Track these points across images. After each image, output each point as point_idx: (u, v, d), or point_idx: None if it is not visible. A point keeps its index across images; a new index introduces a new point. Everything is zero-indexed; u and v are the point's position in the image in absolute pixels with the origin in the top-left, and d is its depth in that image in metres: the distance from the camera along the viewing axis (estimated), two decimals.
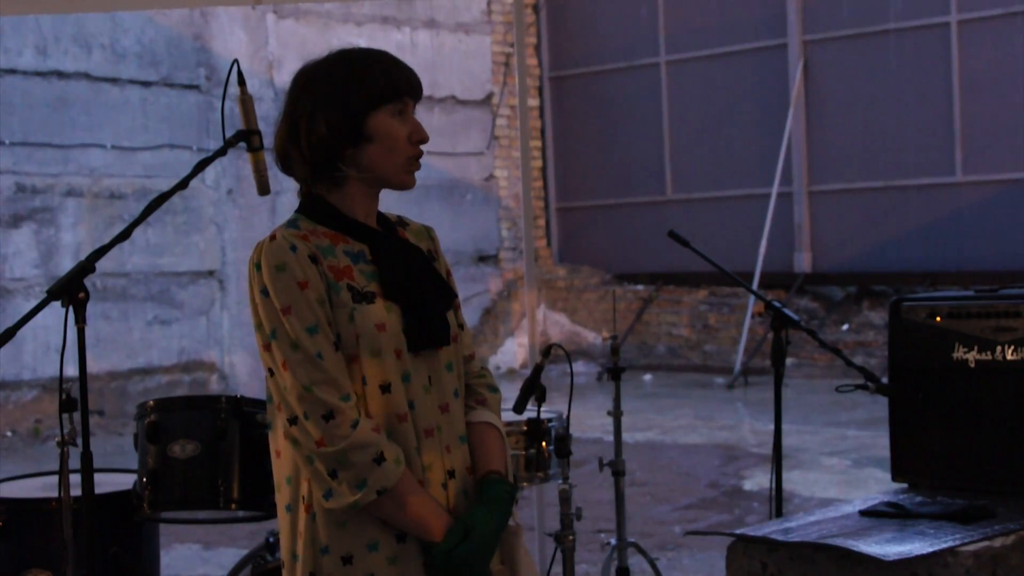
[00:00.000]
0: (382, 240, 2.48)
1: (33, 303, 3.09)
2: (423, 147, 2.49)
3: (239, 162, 11.97)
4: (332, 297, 2.39)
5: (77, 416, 2.91)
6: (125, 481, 3.93)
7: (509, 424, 3.97)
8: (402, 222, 2.61)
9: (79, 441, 2.79)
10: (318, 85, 2.44)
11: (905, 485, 3.33)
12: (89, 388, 2.74)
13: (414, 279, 2.47)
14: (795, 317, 3.79)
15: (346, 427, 2.33)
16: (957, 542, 2.62)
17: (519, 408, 3.87)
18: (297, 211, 2.50)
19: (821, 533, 2.74)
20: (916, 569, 2.55)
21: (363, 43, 13.44)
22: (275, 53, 12.72)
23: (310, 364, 2.34)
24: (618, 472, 4.53)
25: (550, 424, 4.01)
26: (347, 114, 2.41)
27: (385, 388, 2.39)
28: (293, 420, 2.35)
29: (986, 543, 2.64)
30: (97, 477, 2.92)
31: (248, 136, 2.64)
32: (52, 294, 2.59)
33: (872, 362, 11.42)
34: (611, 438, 4.60)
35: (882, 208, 12.84)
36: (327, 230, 2.46)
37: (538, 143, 15.27)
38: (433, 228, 2.67)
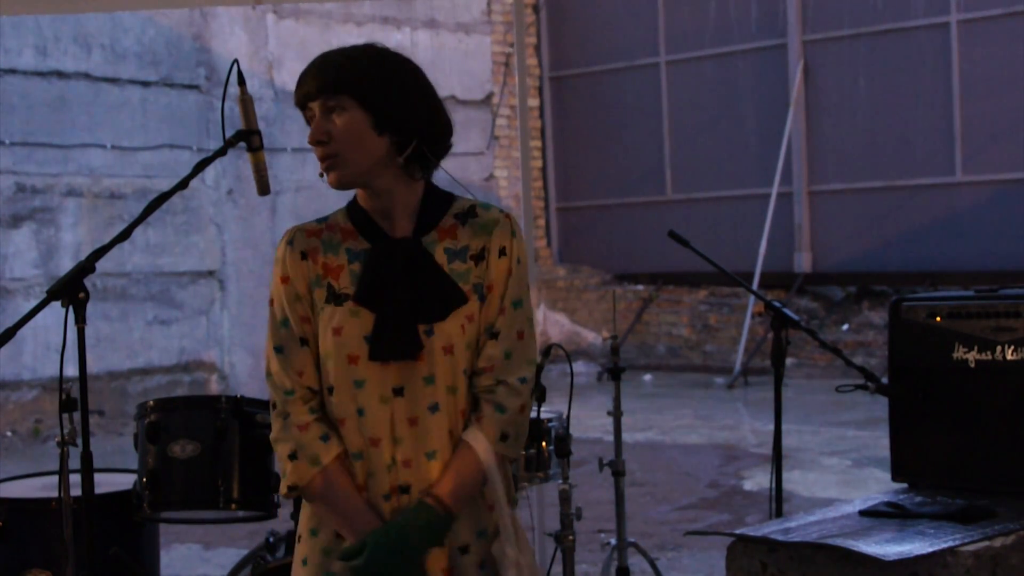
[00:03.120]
0: (381, 242, 2.44)
1: (33, 303, 3.09)
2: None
3: (239, 162, 11.97)
4: (314, 292, 2.43)
5: (77, 416, 2.91)
6: (125, 481, 3.94)
7: None
8: (471, 213, 2.46)
9: (79, 441, 2.79)
10: None
11: (905, 485, 3.33)
12: (89, 388, 2.74)
13: (395, 287, 2.39)
14: (795, 317, 3.79)
15: (279, 421, 2.43)
16: (957, 542, 2.62)
17: None
18: (348, 203, 2.53)
19: (821, 533, 2.74)
20: (916, 569, 2.55)
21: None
22: (275, 53, 12.72)
23: (273, 355, 2.45)
24: (618, 472, 4.54)
25: (550, 424, 4.01)
26: None
27: (330, 390, 2.42)
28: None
29: (986, 543, 2.64)
30: (97, 477, 2.92)
31: (248, 136, 2.64)
32: (52, 294, 2.59)
33: (872, 362, 11.42)
34: (611, 438, 4.60)
35: (882, 208, 12.84)
36: (349, 226, 2.48)
37: (538, 143, 15.27)
38: (510, 221, 2.46)
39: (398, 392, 2.38)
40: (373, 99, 2.38)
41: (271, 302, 2.47)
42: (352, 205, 2.50)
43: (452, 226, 2.45)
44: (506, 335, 2.42)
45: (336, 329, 2.40)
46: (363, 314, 2.39)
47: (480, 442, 2.38)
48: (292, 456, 2.41)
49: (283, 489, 2.44)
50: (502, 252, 2.43)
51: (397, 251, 2.42)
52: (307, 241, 2.46)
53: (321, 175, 2.43)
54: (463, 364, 2.40)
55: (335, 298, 2.42)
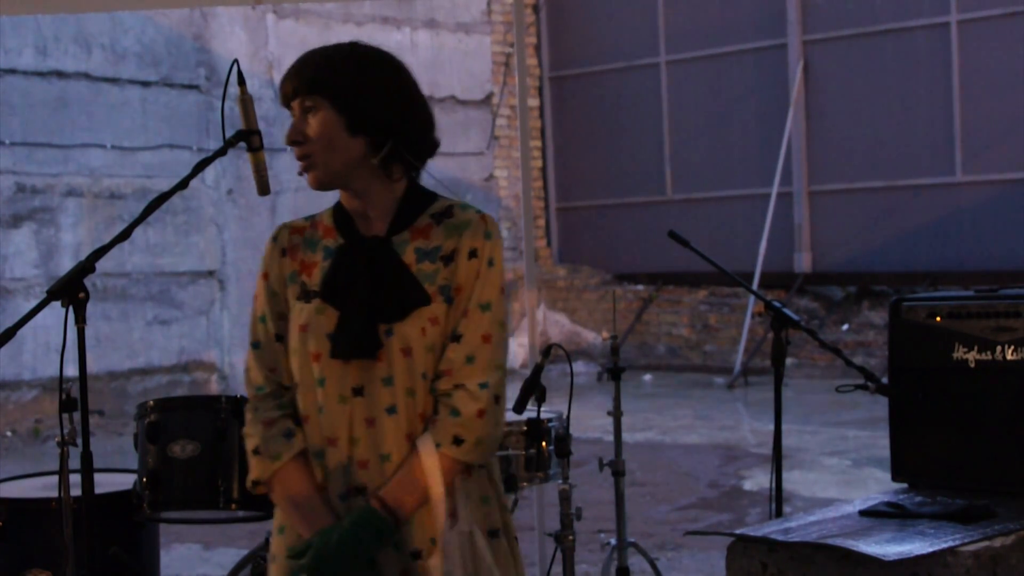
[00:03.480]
0: (351, 240, 2.45)
1: (33, 303, 3.09)
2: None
3: (239, 162, 11.97)
4: (287, 290, 2.47)
5: (77, 416, 2.91)
6: (125, 481, 3.94)
7: (509, 424, 3.97)
8: (448, 213, 2.44)
9: (79, 441, 2.79)
10: None
11: (905, 485, 3.33)
12: (89, 388, 2.74)
13: (357, 285, 2.38)
14: (795, 317, 3.79)
15: (249, 415, 2.46)
16: (957, 542, 2.62)
17: (519, 408, 3.87)
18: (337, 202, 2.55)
19: (821, 533, 2.74)
20: (916, 569, 2.55)
21: None
22: (275, 53, 12.72)
23: (250, 350, 2.49)
24: (618, 472, 4.53)
25: (550, 424, 4.01)
26: None
27: (296, 387, 2.44)
28: None
29: (986, 543, 2.64)
30: (97, 477, 2.92)
31: (248, 136, 2.64)
32: (52, 294, 2.59)
33: (872, 362, 11.41)
34: (611, 438, 4.60)
35: (882, 208, 12.84)
36: (330, 224, 2.49)
37: (538, 143, 15.27)
38: (485, 223, 2.42)
39: (358, 392, 2.38)
40: (346, 100, 2.38)
41: (255, 297, 2.51)
42: (337, 204, 2.52)
43: (427, 226, 2.44)
44: (469, 338, 2.37)
45: (302, 326, 2.41)
46: (328, 312, 2.39)
47: (427, 446, 2.34)
48: (255, 451, 2.43)
49: (248, 483, 2.46)
50: (472, 254, 2.40)
51: (363, 249, 2.42)
52: (290, 238, 2.50)
53: (300, 175, 2.44)
54: (422, 367, 2.37)
55: (305, 295, 2.44)
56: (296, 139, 2.40)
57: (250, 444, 2.45)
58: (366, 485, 2.37)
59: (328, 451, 2.40)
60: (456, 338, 2.37)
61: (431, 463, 2.33)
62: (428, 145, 2.48)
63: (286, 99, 2.43)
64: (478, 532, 2.38)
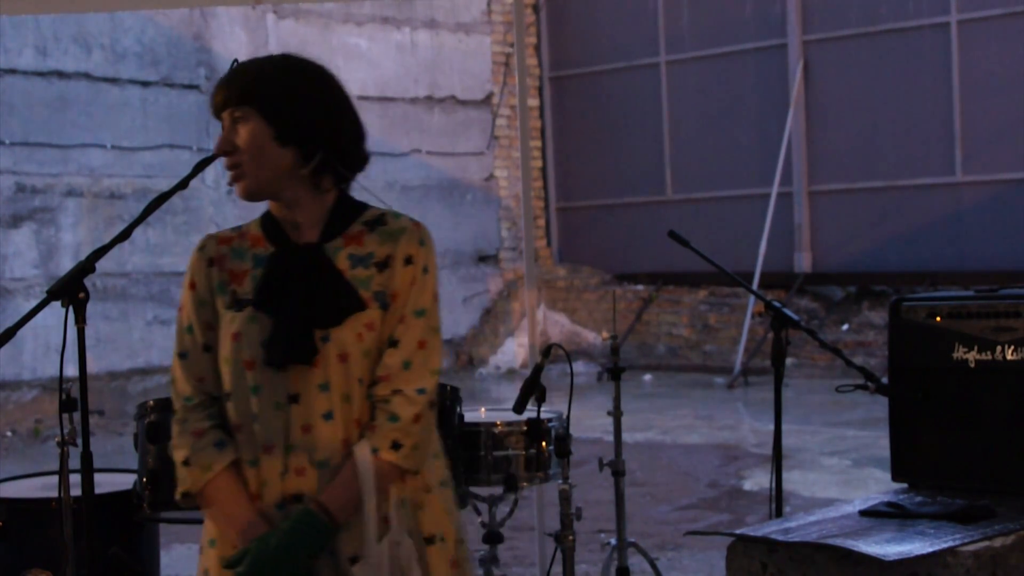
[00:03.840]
0: (283, 247, 2.44)
1: (33, 303, 3.09)
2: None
3: None
4: (216, 300, 2.46)
5: (77, 416, 2.91)
6: (125, 481, 3.93)
7: (509, 424, 3.97)
8: (381, 221, 2.46)
9: (79, 441, 2.79)
10: None
11: (905, 485, 3.33)
12: (89, 388, 2.75)
13: (292, 292, 2.38)
14: (795, 317, 3.79)
15: (176, 427, 2.49)
16: (957, 542, 2.62)
17: (519, 408, 3.87)
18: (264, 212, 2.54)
19: (821, 533, 2.74)
20: (916, 569, 2.55)
21: (363, 43, 13.46)
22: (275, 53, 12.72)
23: (176, 360, 2.53)
24: (618, 472, 4.53)
25: (550, 424, 4.02)
26: None
27: (228, 395, 2.44)
28: None
29: (986, 543, 2.64)
30: (97, 477, 2.92)
31: None
32: (52, 294, 2.59)
33: (872, 362, 11.41)
34: (611, 438, 4.60)
35: (882, 208, 12.84)
36: (259, 233, 2.49)
37: (538, 143, 15.26)
38: (419, 230, 2.45)
39: (293, 399, 2.37)
40: (275, 110, 2.38)
41: (180, 308, 2.51)
42: (266, 213, 2.51)
43: (359, 232, 2.44)
44: (406, 344, 2.38)
45: (235, 335, 2.41)
46: (261, 320, 2.39)
47: (363, 451, 2.34)
48: (185, 463, 2.44)
49: (177, 495, 2.46)
50: (408, 261, 2.41)
51: (296, 256, 2.42)
52: (217, 248, 2.49)
53: (230, 185, 2.44)
54: (359, 372, 2.37)
55: (236, 304, 2.43)
56: (226, 149, 2.40)
57: (179, 456, 2.46)
58: (303, 492, 2.36)
59: (263, 459, 2.39)
60: (393, 343, 2.38)
61: (366, 468, 2.33)
62: (359, 156, 2.49)
63: (217, 110, 2.43)
64: (408, 541, 2.37)
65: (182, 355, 2.50)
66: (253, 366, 2.38)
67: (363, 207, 2.49)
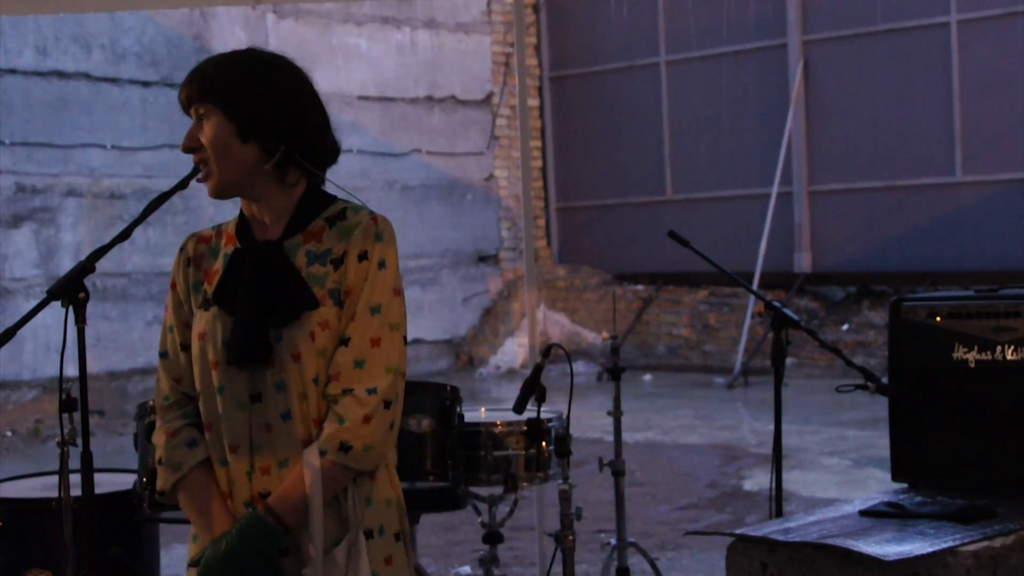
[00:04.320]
0: (242, 246, 2.45)
1: (33, 303, 3.09)
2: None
3: None
4: (192, 300, 2.49)
5: (77, 416, 2.91)
6: (125, 481, 3.94)
7: (509, 424, 3.97)
8: (341, 216, 2.43)
9: (79, 441, 2.79)
10: None
11: (905, 485, 3.33)
12: (89, 388, 2.74)
13: (246, 290, 2.38)
14: (795, 317, 3.79)
15: (156, 425, 2.50)
16: (957, 542, 2.62)
17: (519, 408, 3.87)
18: None
19: (821, 533, 2.73)
20: (916, 569, 2.55)
21: (363, 43, 13.45)
22: None
23: (158, 360, 2.52)
24: (618, 472, 4.54)
25: (550, 424, 4.01)
26: None
27: (198, 395, 2.45)
28: None
29: (986, 543, 2.64)
30: (97, 477, 2.92)
31: None
32: (52, 294, 2.59)
33: (872, 362, 11.41)
34: (611, 438, 4.60)
35: (882, 208, 12.84)
36: (232, 231, 2.50)
37: (538, 143, 15.27)
38: (376, 224, 2.39)
39: (255, 398, 2.37)
40: (235, 107, 2.37)
41: (165, 308, 2.54)
42: (240, 211, 2.52)
43: (319, 228, 2.42)
44: (357, 342, 2.35)
45: (200, 334, 2.43)
46: (224, 319, 2.39)
47: (311, 454, 2.32)
48: (159, 461, 2.46)
49: (156, 494, 2.51)
50: (362, 256, 2.37)
51: (254, 254, 2.42)
52: (196, 248, 2.53)
53: (200, 182, 2.44)
54: (313, 371, 2.35)
55: (205, 303, 2.45)
56: (192, 146, 2.40)
57: (156, 456, 2.48)
58: (269, 491, 2.37)
59: (231, 458, 2.40)
60: (344, 342, 2.35)
61: (312, 471, 2.31)
62: (325, 149, 2.47)
63: (184, 106, 2.43)
64: (363, 541, 2.36)
65: (163, 355, 2.51)
66: (217, 366, 2.39)
67: (329, 201, 2.46)
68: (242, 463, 2.39)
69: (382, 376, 2.35)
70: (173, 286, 2.53)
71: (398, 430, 2.42)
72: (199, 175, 2.42)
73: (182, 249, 2.54)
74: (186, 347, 2.47)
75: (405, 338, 2.41)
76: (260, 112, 2.37)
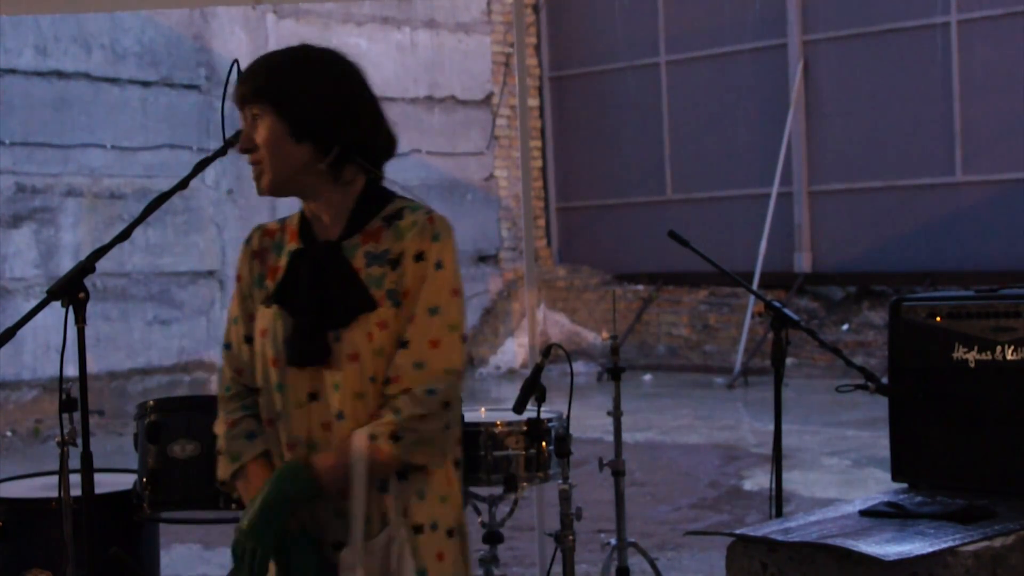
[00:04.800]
0: (303, 245, 2.45)
1: (33, 303, 3.09)
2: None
3: (239, 162, 11.90)
4: (255, 293, 2.49)
5: (77, 416, 2.91)
6: (125, 481, 3.94)
7: (509, 424, 3.97)
8: (398, 216, 2.42)
9: (79, 441, 2.79)
10: None
11: (905, 485, 3.33)
12: (89, 388, 2.75)
13: (306, 292, 2.38)
14: (795, 317, 3.79)
15: (219, 414, 2.51)
16: (957, 542, 2.62)
17: (519, 408, 3.87)
18: None
19: (821, 533, 2.74)
20: (916, 569, 2.55)
21: (363, 43, 13.45)
22: None
23: (223, 350, 2.55)
24: (618, 472, 4.53)
25: (550, 424, 4.01)
26: None
27: (259, 391, 2.47)
28: None
29: (986, 543, 2.64)
30: (97, 477, 2.92)
31: None
32: (52, 294, 2.59)
33: (872, 362, 11.41)
34: (611, 438, 4.60)
35: (882, 208, 12.84)
36: (295, 227, 2.50)
37: (538, 143, 15.27)
38: (433, 225, 2.39)
39: (313, 397, 2.39)
40: (287, 107, 2.37)
41: (232, 299, 2.55)
42: (302, 209, 2.52)
43: (377, 229, 2.42)
44: (417, 344, 2.34)
45: (262, 331, 2.44)
46: (285, 318, 2.40)
47: (359, 436, 2.32)
48: (219, 452, 2.48)
49: (218, 483, 2.51)
50: (419, 257, 2.37)
51: (312, 254, 2.42)
52: (261, 241, 2.52)
53: (255, 181, 2.44)
54: (371, 371, 2.36)
55: (267, 300, 2.46)
56: (247, 147, 2.40)
57: (217, 444, 2.50)
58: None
59: (289, 455, 2.42)
60: (403, 344, 2.35)
61: (359, 452, 2.31)
62: (381, 145, 2.46)
63: (238, 106, 2.43)
64: (405, 535, 2.36)
65: (226, 346, 2.53)
66: (277, 363, 2.41)
67: (388, 199, 2.45)
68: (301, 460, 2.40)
69: (442, 378, 2.35)
70: (239, 278, 2.52)
71: (458, 431, 2.45)
72: (252, 174, 2.42)
73: (247, 241, 2.52)
74: (250, 339, 2.48)
75: (464, 337, 2.41)
76: (312, 112, 2.36)
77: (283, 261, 2.46)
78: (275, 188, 2.40)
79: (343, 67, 2.43)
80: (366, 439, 2.31)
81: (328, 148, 2.38)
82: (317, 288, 2.37)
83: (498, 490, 4.05)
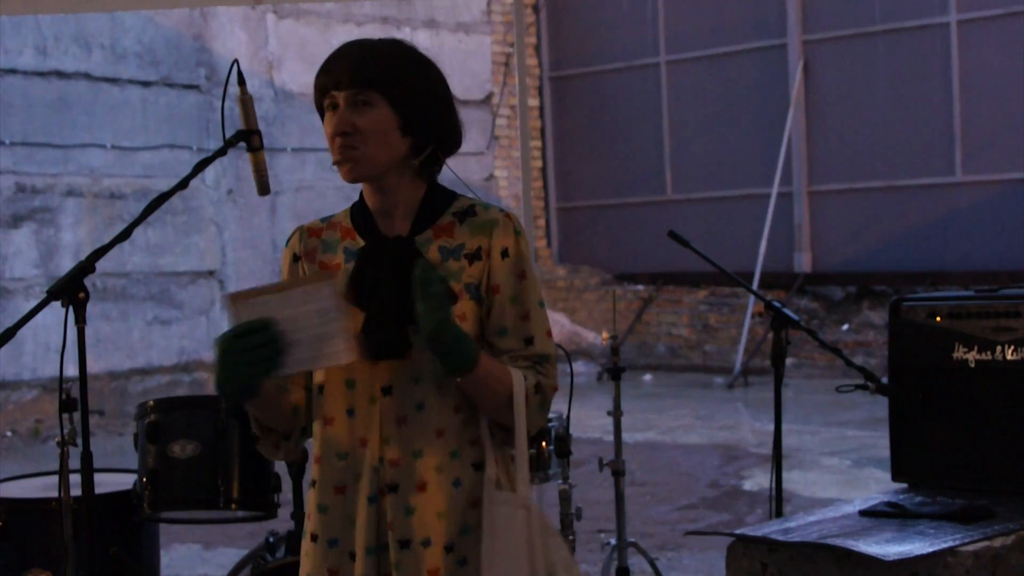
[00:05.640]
0: (374, 241, 2.44)
1: (33, 303, 3.09)
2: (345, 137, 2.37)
3: (239, 162, 11.97)
4: None
5: (77, 416, 2.92)
6: (125, 481, 3.94)
7: None
8: (471, 212, 2.45)
9: (79, 441, 2.79)
10: None
11: (905, 485, 3.33)
12: (89, 388, 2.75)
13: (383, 285, 2.38)
14: (795, 317, 3.79)
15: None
16: (957, 542, 2.62)
17: None
18: (354, 202, 2.53)
19: (821, 533, 2.73)
20: (916, 569, 2.55)
21: None
22: (275, 53, 12.72)
23: None
24: (618, 472, 4.54)
25: (550, 424, 4.01)
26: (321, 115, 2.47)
27: (320, 389, 2.44)
28: None
29: (986, 543, 2.64)
30: (97, 477, 2.92)
31: (248, 136, 2.63)
32: (52, 294, 2.59)
33: (872, 362, 11.42)
34: (611, 438, 4.60)
35: (882, 208, 12.84)
36: (349, 224, 2.48)
37: (538, 143, 15.27)
38: (511, 221, 2.44)
39: (387, 391, 2.38)
40: (404, 102, 2.39)
41: None
42: (356, 203, 2.50)
43: (449, 224, 2.44)
44: (540, 338, 2.45)
45: None
46: (354, 313, 2.38)
47: (517, 373, 2.38)
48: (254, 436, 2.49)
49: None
50: (505, 253, 2.42)
51: (386, 249, 2.42)
52: (307, 242, 2.49)
53: (335, 165, 2.41)
54: None
55: None
56: (346, 130, 2.37)
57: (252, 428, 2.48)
58: (399, 483, 2.37)
59: (357, 452, 2.39)
60: (529, 340, 2.43)
61: (520, 383, 2.36)
62: (457, 145, 2.55)
63: (331, 86, 2.39)
64: (536, 507, 2.41)
65: None
66: None
67: (452, 197, 2.49)
68: (371, 456, 2.38)
69: (555, 363, 2.46)
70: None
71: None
72: (337, 156, 2.39)
73: (287, 244, 2.52)
74: None
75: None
76: (425, 111, 2.41)
77: (340, 259, 2.44)
78: (366, 176, 2.40)
79: (439, 69, 2.50)
80: (521, 376, 2.37)
81: (424, 146, 2.43)
82: (396, 283, 2.36)
83: None
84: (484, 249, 2.41)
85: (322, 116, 2.44)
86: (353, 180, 2.40)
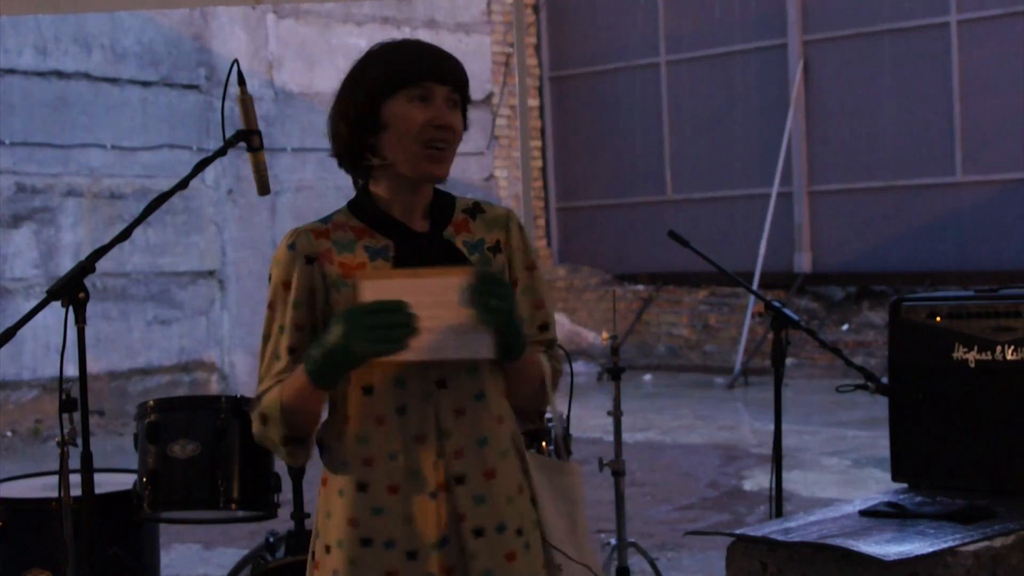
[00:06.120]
0: (406, 237, 2.42)
1: (33, 303, 3.09)
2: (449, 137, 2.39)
3: (239, 162, 11.96)
4: (332, 295, 2.37)
5: (77, 416, 2.91)
6: (125, 481, 3.94)
7: None
8: (478, 209, 2.50)
9: (79, 441, 2.79)
10: (346, 77, 2.45)
11: (905, 485, 3.33)
12: (89, 388, 2.75)
13: None
14: (795, 317, 3.79)
15: (254, 414, 2.43)
16: (957, 542, 2.62)
17: None
18: (348, 202, 2.49)
19: (821, 533, 2.74)
20: (916, 569, 2.55)
21: (363, 43, 13.44)
22: (275, 53, 12.72)
23: (269, 359, 2.41)
24: (618, 472, 4.54)
25: (550, 424, 4.01)
26: (363, 102, 2.39)
27: (367, 390, 2.36)
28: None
29: (986, 543, 2.64)
30: (97, 477, 2.92)
31: (248, 136, 2.64)
32: (52, 294, 2.59)
33: (872, 362, 11.41)
34: (611, 438, 4.60)
35: (882, 208, 12.84)
36: (358, 224, 2.43)
37: (538, 143, 15.27)
38: (516, 217, 2.53)
39: (441, 385, 2.36)
40: (466, 110, 2.48)
41: (269, 306, 2.43)
42: (355, 203, 2.47)
43: (464, 220, 2.48)
44: (551, 325, 2.54)
45: None
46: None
47: (543, 355, 2.49)
48: (263, 418, 2.37)
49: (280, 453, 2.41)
50: (518, 246, 2.51)
51: (426, 245, 2.42)
52: (316, 243, 2.41)
53: (428, 159, 2.38)
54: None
55: None
56: (454, 127, 2.42)
57: (273, 436, 2.38)
58: (466, 473, 2.35)
59: (412, 450, 2.35)
60: (544, 327, 2.53)
61: (546, 366, 2.47)
62: None
63: (434, 78, 2.39)
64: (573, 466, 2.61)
65: (277, 356, 2.41)
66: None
67: (451, 196, 2.53)
68: (429, 452, 2.35)
69: (562, 361, 2.59)
70: (286, 286, 2.40)
71: None
72: (434, 155, 2.40)
73: (291, 246, 2.41)
74: (293, 350, 2.38)
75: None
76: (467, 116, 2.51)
77: (363, 258, 2.40)
78: (447, 175, 2.46)
79: None
80: (543, 358, 2.47)
81: None
82: None
83: None
84: (503, 242, 2.48)
85: (378, 99, 2.39)
86: (442, 178, 2.42)
